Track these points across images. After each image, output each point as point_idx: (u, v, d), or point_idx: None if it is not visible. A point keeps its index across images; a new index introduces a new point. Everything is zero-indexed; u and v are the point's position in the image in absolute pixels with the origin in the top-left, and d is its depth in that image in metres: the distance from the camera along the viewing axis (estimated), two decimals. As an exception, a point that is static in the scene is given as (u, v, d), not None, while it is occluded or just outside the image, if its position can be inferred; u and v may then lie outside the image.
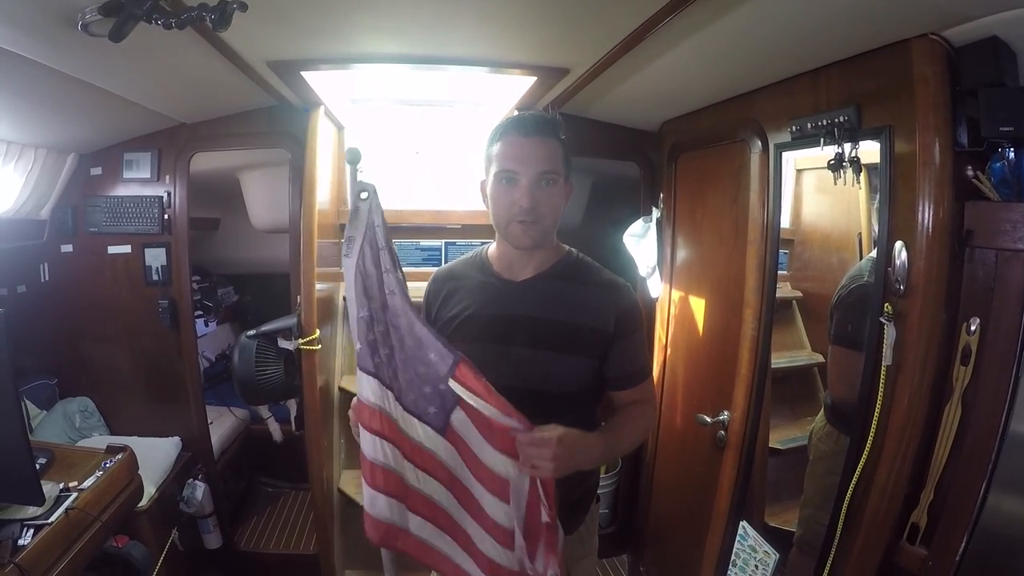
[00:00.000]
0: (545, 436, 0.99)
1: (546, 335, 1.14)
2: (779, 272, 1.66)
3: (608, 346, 1.15)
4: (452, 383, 1.03)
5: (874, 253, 1.59)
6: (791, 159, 1.68)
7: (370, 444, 1.13)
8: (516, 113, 1.87)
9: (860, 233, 1.89)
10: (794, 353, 2.05)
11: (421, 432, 1.12)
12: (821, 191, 2.01)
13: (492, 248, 1.25)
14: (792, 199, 1.96)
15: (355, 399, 1.17)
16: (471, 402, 1.03)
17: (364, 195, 1.07)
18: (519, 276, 1.19)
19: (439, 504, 1.15)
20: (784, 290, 1.98)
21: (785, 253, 1.98)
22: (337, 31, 1.35)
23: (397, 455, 1.13)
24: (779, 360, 1.81)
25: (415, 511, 1.16)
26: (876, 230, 1.31)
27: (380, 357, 1.10)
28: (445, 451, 1.11)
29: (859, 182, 1.50)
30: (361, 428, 1.15)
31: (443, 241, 2.40)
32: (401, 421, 1.12)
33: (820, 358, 2.02)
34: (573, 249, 1.25)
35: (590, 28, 1.29)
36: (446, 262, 2.03)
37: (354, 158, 1.11)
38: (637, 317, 1.19)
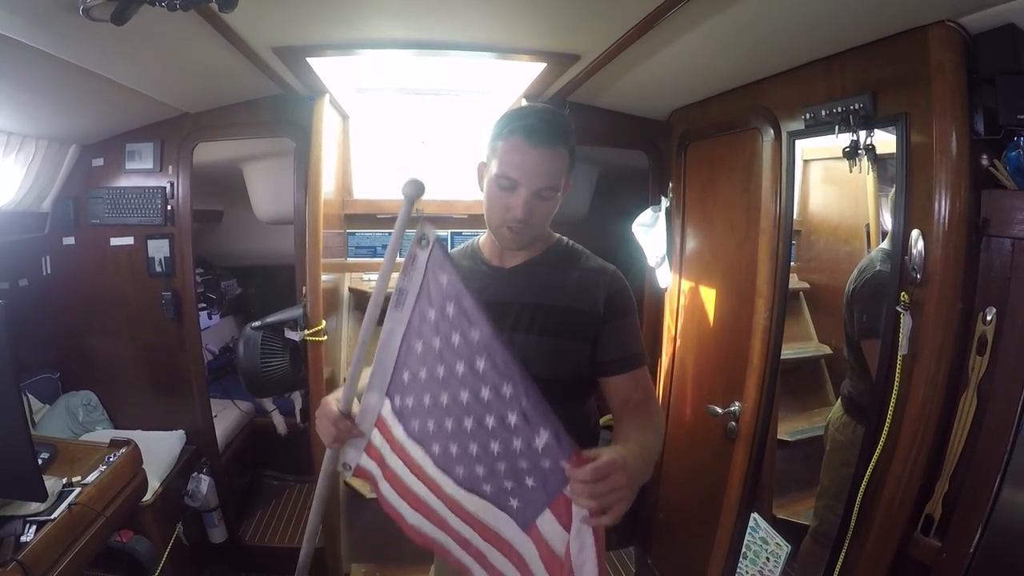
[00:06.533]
0: (609, 461, 0.82)
1: (536, 320, 1.12)
2: (788, 262, 1.64)
3: (598, 328, 1.14)
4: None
5: (883, 244, 1.58)
6: (800, 149, 1.66)
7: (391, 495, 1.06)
8: (525, 104, 1.85)
9: (868, 224, 1.88)
10: (802, 344, 2.04)
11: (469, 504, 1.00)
12: (828, 182, 2.00)
13: (484, 237, 1.24)
14: (799, 190, 1.95)
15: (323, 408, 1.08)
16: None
17: (424, 241, 0.88)
18: (508, 263, 1.19)
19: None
20: (792, 281, 1.96)
21: (792, 244, 1.97)
22: (343, 14, 1.33)
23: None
24: (787, 352, 1.79)
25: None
26: (884, 220, 1.29)
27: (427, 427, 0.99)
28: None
29: (872, 170, 1.48)
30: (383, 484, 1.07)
31: (449, 231, 2.38)
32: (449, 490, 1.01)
33: (827, 349, 2.01)
34: (564, 237, 1.25)
35: (603, 12, 1.26)
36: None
37: (415, 191, 0.91)
38: (628, 301, 1.17)
